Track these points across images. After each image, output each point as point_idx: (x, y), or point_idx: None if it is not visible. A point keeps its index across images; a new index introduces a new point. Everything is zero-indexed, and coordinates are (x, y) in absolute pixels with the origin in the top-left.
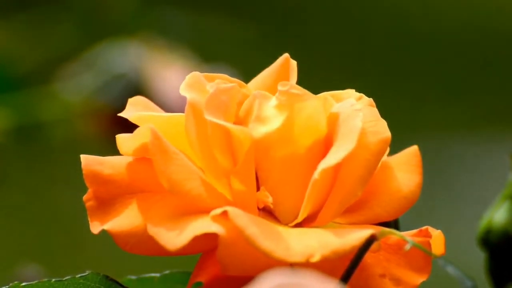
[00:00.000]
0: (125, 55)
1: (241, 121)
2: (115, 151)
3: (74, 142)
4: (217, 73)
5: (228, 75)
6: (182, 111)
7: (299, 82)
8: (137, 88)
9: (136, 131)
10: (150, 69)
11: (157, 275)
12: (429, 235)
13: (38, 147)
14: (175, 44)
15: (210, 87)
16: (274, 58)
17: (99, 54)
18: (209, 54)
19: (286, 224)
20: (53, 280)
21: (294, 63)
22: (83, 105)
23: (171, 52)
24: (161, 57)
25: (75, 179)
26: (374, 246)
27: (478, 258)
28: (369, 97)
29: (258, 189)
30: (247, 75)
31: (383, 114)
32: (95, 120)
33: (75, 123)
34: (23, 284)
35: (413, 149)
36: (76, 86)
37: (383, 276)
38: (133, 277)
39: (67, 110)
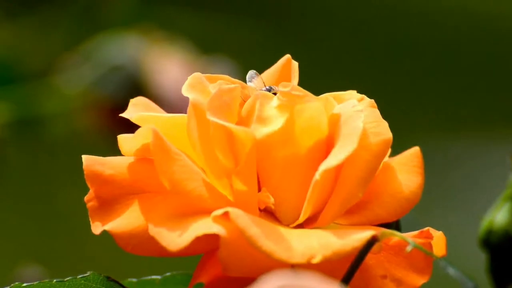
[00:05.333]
0: (124, 47)
1: (243, 121)
2: (114, 143)
3: (73, 134)
4: (216, 65)
5: (227, 67)
6: (181, 103)
7: (301, 83)
8: (136, 80)
9: (138, 132)
10: (149, 61)
11: (158, 277)
12: (430, 236)
13: (38, 140)
14: (174, 36)
15: (213, 88)
16: (275, 52)
17: (98, 46)
18: (208, 47)
19: (287, 225)
20: (55, 280)
21: (295, 64)
22: (82, 98)
23: (170, 44)
24: (160, 49)
25: (75, 174)
26: (375, 247)
27: (480, 259)
28: (370, 98)
29: (259, 189)
30: (246, 69)
31: (384, 115)
32: (94, 112)
33: (74, 115)
34: (25, 284)
35: (415, 150)
36: (74, 79)
37: (384, 277)
38: (134, 280)
39: (66, 102)
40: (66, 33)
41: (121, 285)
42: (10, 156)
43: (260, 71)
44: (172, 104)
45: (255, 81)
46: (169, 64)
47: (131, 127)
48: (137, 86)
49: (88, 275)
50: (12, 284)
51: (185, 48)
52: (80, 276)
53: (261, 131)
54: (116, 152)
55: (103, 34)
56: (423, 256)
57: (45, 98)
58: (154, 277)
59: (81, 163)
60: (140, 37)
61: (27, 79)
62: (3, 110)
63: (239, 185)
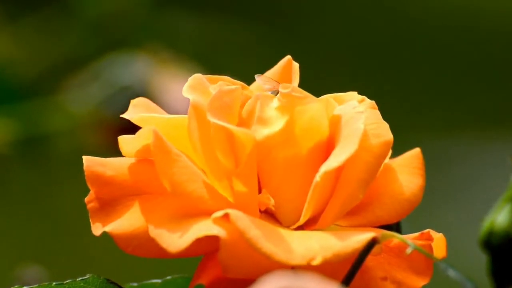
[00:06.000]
0: (132, 67)
1: (243, 122)
2: None
3: (79, 153)
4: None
5: None
6: None
7: (300, 83)
8: None
9: (138, 133)
10: (156, 81)
11: (159, 281)
12: (431, 238)
13: (43, 158)
14: (181, 57)
15: (213, 89)
16: (275, 54)
17: (106, 65)
18: (215, 67)
19: (287, 227)
20: (54, 283)
21: (296, 65)
22: (88, 117)
23: (177, 65)
24: (167, 69)
25: (80, 190)
26: (375, 249)
27: (480, 261)
28: (370, 98)
29: (259, 191)
30: (246, 69)
31: (384, 116)
32: (101, 131)
33: (81, 134)
34: (25, 287)
35: (416, 152)
36: (82, 98)
37: (384, 279)
38: (135, 284)
39: (73, 121)
40: (71, 50)
41: (120, 287)
42: (15, 173)
43: (261, 72)
44: None
45: (267, 82)
46: (176, 85)
47: None
48: None
49: (88, 278)
50: (12, 287)
51: (192, 68)
52: (79, 278)
53: (262, 132)
54: None
55: (111, 54)
56: (423, 258)
57: (52, 116)
58: (154, 281)
59: (82, 169)
60: (148, 57)
61: (33, 96)
62: (9, 127)
63: (240, 187)
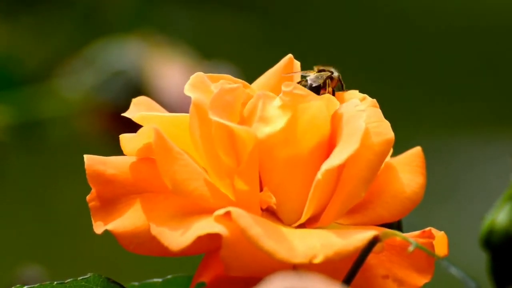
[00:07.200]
0: (125, 52)
1: (244, 121)
2: (115, 148)
3: (74, 139)
4: (217, 70)
5: (229, 72)
6: (182, 109)
7: None
8: (137, 85)
9: (140, 131)
10: (150, 66)
11: (160, 280)
12: (432, 236)
13: (38, 144)
14: (175, 41)
15: (215, 87)
16: (276, 55)
17: (99, 51)
18: (209, 51)
19: (289, 225)
20: (55, 282)
21: (297, 63)
22: (83, 102)
23: (171, 49)
24: (161, 54)
25: (76, 177)
26: (377, 247)
27: (480, 259)
28: (371, 96)
29: (261, 189)
30: (247, 72)
31: (385, 114)
32: (95, 117)
33: (75, 120)
34: (26, 287)
35: (417, 150)
36: (76, 83)
37: (386, 277)
38: (136, 283)
39: (67, 107)
40: (65, 36)
41: (121, 286)
42: (10, 159)
43: (259, 65)
44: (174, 109)
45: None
46: (170, 69)
47: (132, 131)
48: (138, 91)
49: (89, 277)
50: (13, 286)
51: (186, 53)
52: (81, 277)
53: (263, 130)
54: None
55: (104, 39)
56: (425, 256)
57: (46, 102)
58: (155, 280)
59: (82, 165)
60: (142, 42)
61: (28, 82)
62: (4, 113)
63: (241, 185)
